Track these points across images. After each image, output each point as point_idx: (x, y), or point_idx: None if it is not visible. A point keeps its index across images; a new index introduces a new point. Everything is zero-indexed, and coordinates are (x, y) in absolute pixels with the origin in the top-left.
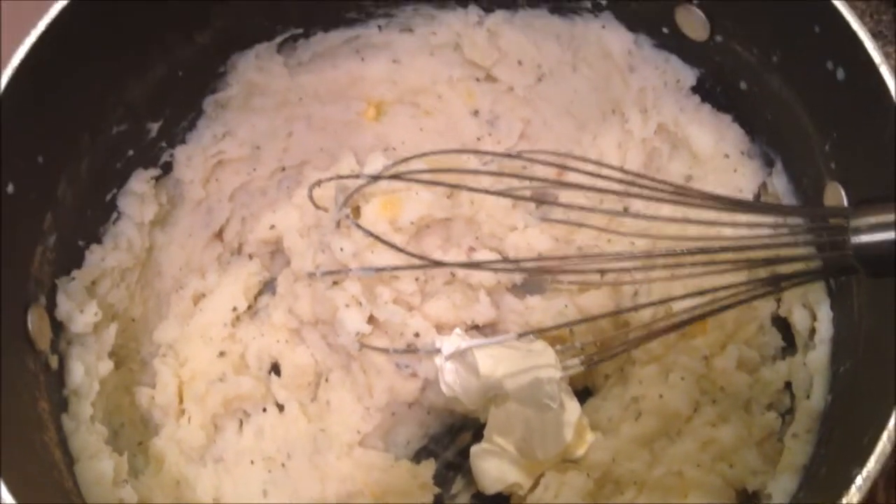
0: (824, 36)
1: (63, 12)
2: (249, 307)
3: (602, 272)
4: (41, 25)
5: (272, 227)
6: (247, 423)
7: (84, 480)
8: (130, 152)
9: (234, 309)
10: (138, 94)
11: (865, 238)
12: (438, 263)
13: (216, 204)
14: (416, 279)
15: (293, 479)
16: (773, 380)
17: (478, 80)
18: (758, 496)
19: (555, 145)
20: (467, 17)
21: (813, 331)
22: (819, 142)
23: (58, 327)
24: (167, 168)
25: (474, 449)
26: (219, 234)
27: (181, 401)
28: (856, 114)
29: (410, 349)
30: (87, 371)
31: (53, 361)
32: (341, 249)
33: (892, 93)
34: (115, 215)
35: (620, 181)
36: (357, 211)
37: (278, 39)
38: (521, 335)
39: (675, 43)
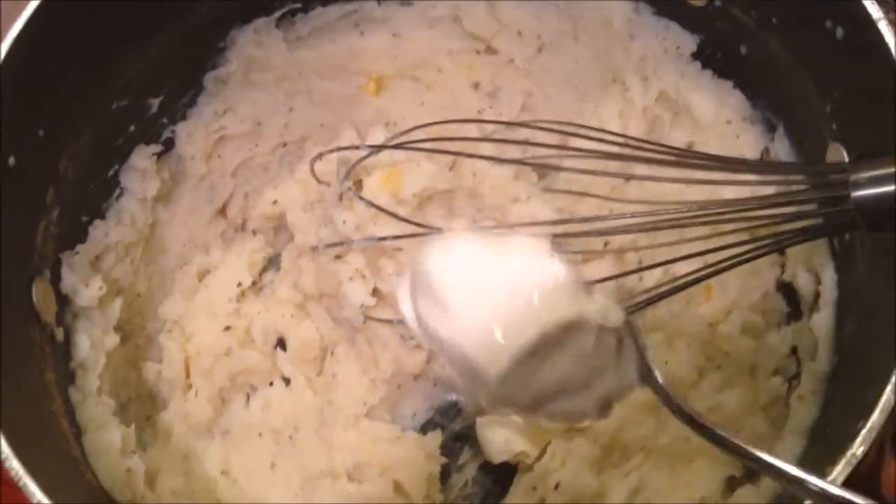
0: None
1: None
2: (254, 283)
3: (606, 241)
4: None
5: (275, 202)
6: (253, 396)
7: (92, 451)
8: (131, 128)
9: (239, 284)
10: (137, 69)
11: (865, 192)
12: (441, 231)
13: (219, 180)
14: None
15: (300, 451)
16: (778, 345)
17: (478, 52)
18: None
19: (556, 116)
20: None
21: (818, 294)
22: (820, 103)
23: (63, 301)
24: (169, 144)
25: (480, 419)
26: (222, 211)
27: (188, 375)
28: (855, 73)
29: None
30: (92, 344)
31: (59, 334)
32: (344, 222)
33: (892, 49)
34: (117, 191)
35: (623, 147)
36: (359, 184)
37: (277, 14)
38: None
39: (674, 9)
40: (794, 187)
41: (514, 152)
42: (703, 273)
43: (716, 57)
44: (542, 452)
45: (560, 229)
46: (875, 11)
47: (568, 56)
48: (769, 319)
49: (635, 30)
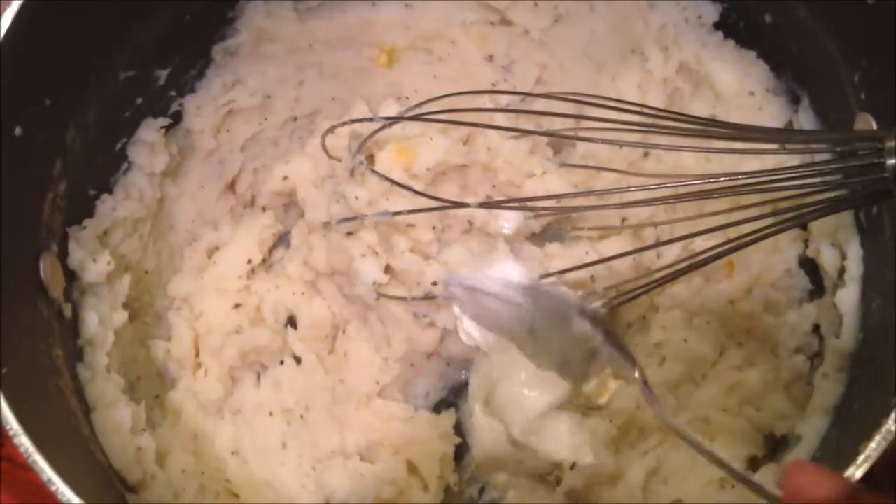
0: None
1: None
2: (264, 260)
3: (623, 217)
4: None
5: (285, 177)
6: (264, 375)
7: (101, 428)
8: (139, 100)
9: (249, 262)
10: (145, 38)
11: None
12: (458, 204)
13: (228, 155)
14: (433, 228)
15: (312, 430)
16: (800, 322)
17: (492, 23)
18: (786, 440)
19: (573, 89)
20: None
21: (843, 270)
22: (848, 72)
23: (71, 276)
24: (177, 118)
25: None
26: (231, 186)
27: (197, 354)
28: (887, 39)
29: (429, 297)
30: (101, 321)
31: (67, 310)
32: (356, 198)
33: None
34: (125, 165)
35: (641, 122)
36: (371, 159)
37: None
38: (542, 276)
39: None
40: (820, 157)
41: (529, 126)
42: (724, 248)
43: (738, 26)
44: None
45: (577, 202)
46: None
47: (584, 27)
48: (791, 296)
49: None
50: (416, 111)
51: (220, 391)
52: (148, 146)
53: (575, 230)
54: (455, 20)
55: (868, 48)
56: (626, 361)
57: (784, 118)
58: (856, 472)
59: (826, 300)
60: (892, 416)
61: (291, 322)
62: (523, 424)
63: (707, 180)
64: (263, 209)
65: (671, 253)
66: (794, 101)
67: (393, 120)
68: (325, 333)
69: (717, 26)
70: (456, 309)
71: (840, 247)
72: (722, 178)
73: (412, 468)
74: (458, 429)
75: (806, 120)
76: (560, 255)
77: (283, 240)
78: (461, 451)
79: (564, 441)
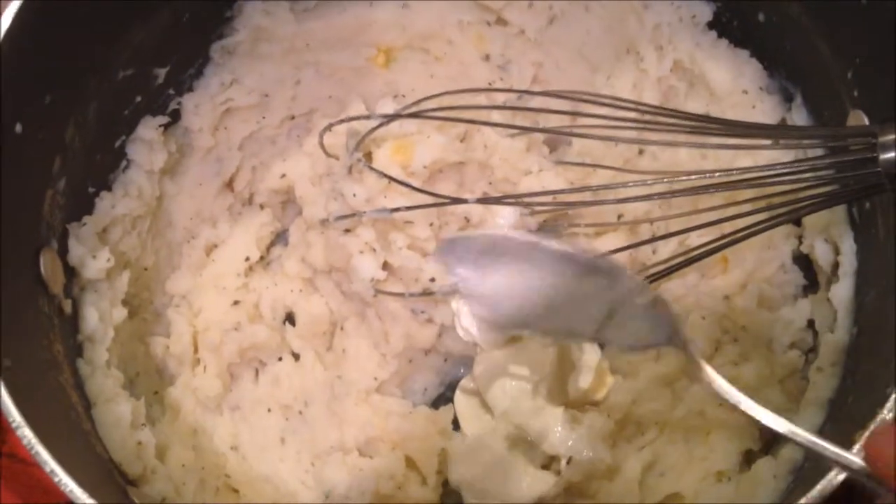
0: None
1: None
2: (262, 257)
3: (619, 213)
4: None
5: (283, 175)
6: (262, 372)
7: (102, 423)
8: (138, 98)
9: (247, 259)
10: (144, 37)
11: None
12: (455, 200)
13: (226, 153)
14: (431, 224)
15: (311, 426)
16: (795, 318)
17: (488, 23)
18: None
19: (568, 88)
20: None
21: (836, 265)
22: (840, 70)
23: (71, 273)
24: (175, 116)
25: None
26: (229, 184)
27: (196, 350)
28: (880, 37)
29: (427, 293)
30: (101, 317)
31: (67, 306)
32: (354, 195)
33: None
34: (124, 163)
35: (636, 119)
36: (369, 156)
37: None
38: None
39: None
40: (813, 153)
41: (526, 124)
42: (718, 244)
43: (732, 25)
44: None
45: (573, 198)
46: None
47: (580, 26)
48: (786, 292)
49: None
50: (413, 109)
51: (219, 387)
52: (147, 144)
53: (571, 227)
54: (451, 20)
55: (860, 46)
56: (666, 321)
57: (777, 116)
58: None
59: (820, 295)
60: (888, 405)
61: (290, 319)
62: (518, 418)
63: (701, 176)
64: (261, 207)
65: (666, 248)
66: (788, 99)
67: (390, 117)
68: (323, 330)
69: (710, 25)
70: (454, 305)
71: (833, 242)
72: (716, 174)
73: (410, 463)
74: (457, 424)
75: (799, 117)
76: None
77: (281, 237)
78: None
79: (561, 435)
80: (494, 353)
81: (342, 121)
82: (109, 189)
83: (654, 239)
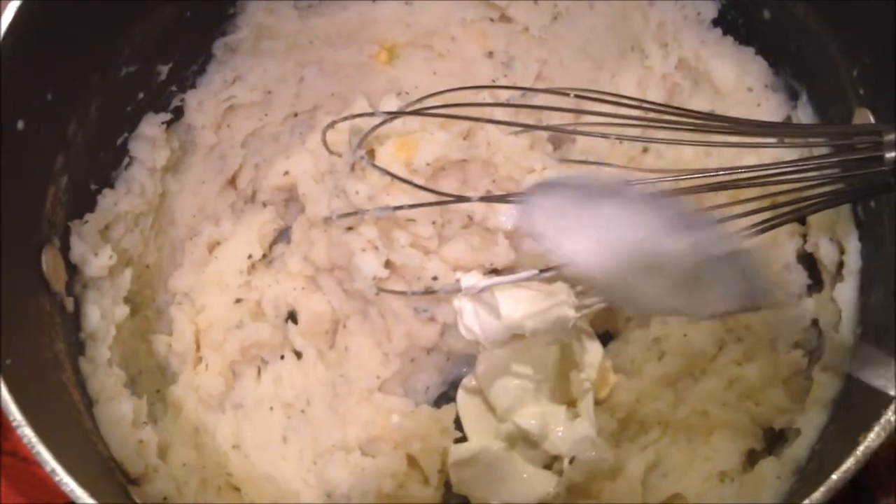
0: None
1: None
2: (265, 256)
3: None
4: None
5: (286, 173)
6: (265, 370)
7: (104, 421)
8: (141, 95)
9: (250, 257)
10: (146, 34)
11: None
12: (459, 198)
13: (228, 150)
14: (433, 222)
15: (313, 424)
16: (799, 317)
17: (492, 20)
18: (784, 434)
19: (572, 86)
20: None
21: (841, 264)
22: (847, 68)
23: (73, 270)
24: (178, 113)
25: None
26: (232, 181)
27: (198, 348)
28: (886, 34)
29: (429, 291)
30: (102, 315)
31: (69, 304)
32: (357, 193)
33: None
34: (126, 160)
35: (641, 117)
36: (371, 154)
37: None
38: (542, 271)
39: None
40: (818, 151)
41: (529, 121)
42: None
43: (737, 23)
44: None
45: None
46: None
47: (584, 23)
48: (790, 291)
49: None
50: (417, 106)
51: (221, 385)
52: (149, 141)
53: None
54: (455, 17)
55: (867, 44)
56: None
57: (783, 114)
58: (855, 463)
59: (824, 294)
60: (893, 406)
61: (292, 317)
62: (521, 417)
63: (706, 174)
64: (264, 204)
65: None
66: (793, 97)
67: (393, 114)
68: (325, 328)
69: (715, 23)
70: (456, 303)
71: (838, 241)
72: (721, 173)
73: (413, 462)
74: (459, 423)
75: (804, 116)
76: None
77: (283, 235)
78: None
79: (564, 435)
80: (497, 351)
81: (345, 118)
82: (112, 186)
83: None
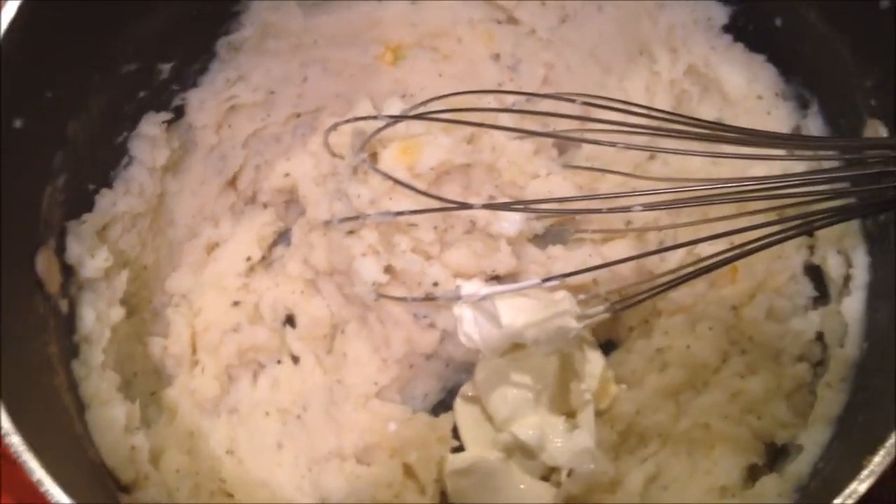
0: None
1: None
2: (264, 258)
3: (627, 220)
4: None
5: (287, 174)
6: (261, 374)
7: (95, 426)
8: (142, 94)
9: (249, 259)
10: (148, 31)
11: None
12: (462, 205)
13: (229, 150)
14: (435, 228)
15: (309, 431)
16: (804, 330)
17: (499, 22)
18: (786, 449)
19: (579, 90)
20: None
21: (848, 277)
22: (859, 78)
23: (68, 272)
24: (179, 112)
25: None
26: (232, 182)
27: (194, 351)
28: None
29: (429, 297)
30: (98, 317)
31: (63, 306)
32: (358, 196)
33: None
34: (126, 159)
35: (648, 124)
36: (374, 157)
37: None
38: (545, 280)
39: None
40: (828, 164)
41: (534, 126)
42: (728, 255)
43: (748, 29)
44: None
45: (580, 206)
46: None
47: (592, 27)
48: (795, 303)
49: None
50: (421, 109)
51: (217, 389)
52: (149, 140)
53: (578, 232)
54: (461, 18)
55: (880, 54)
56: None
57: (792, 123)
58: (859, 486)
59: (830, 308)
60: None
61: (290, 321)
62: (519, 427)
63: (713, 185)
64: (264, 206)
65: (675, 257)
66: (803, 106)
67: (397, 118)
68: (323, 333)
69: (726, 29)
70: (456, 310)
71: (846, 254)
72: (728, 184)
73: (409, 471)
74: (455, 432)
75: (814, 125)
76: (563, 258)
77: (283, 237)
78: None
79: (562, 446)
80: (496, 360)
81: (348, 121)
82: (110, 186)
83: (662, 249)
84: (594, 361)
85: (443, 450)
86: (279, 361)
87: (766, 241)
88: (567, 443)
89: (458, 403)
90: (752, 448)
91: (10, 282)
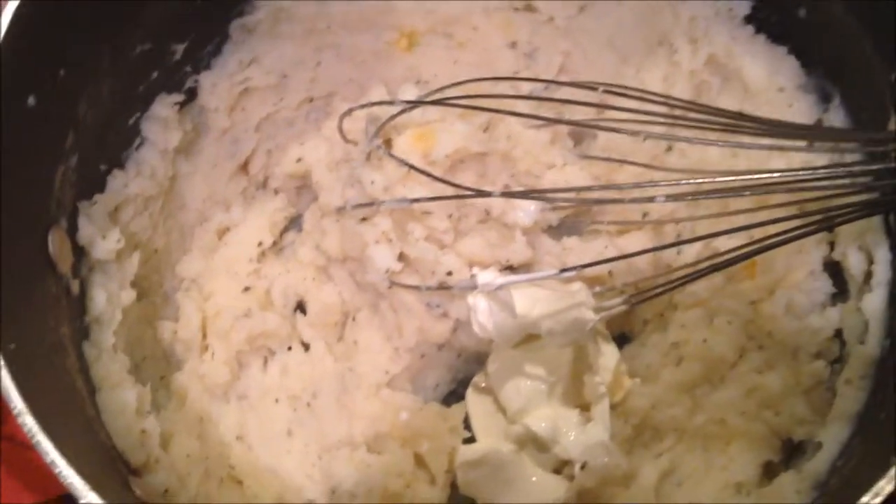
0: None
1: None
2: (275, 243)
3: (644, 212)
4: None
5: (299, 159)
6: (272, 360)
7: (106, 409)
8: (154, 74)
9: (260, 244)
10: (162, 12)
11: None
12: (479, 192)
13: (242, 134)
14: (450, 216)
15: (319, 418)
16: (822, 327)
17: (516, 9)
18: (803, 447)
19: (596, 79)
20: None
21: (869, 274)
22: (884, 71)
23: (80, 253)
24: (191, 94)
25: None
26: (244, 167)
27: (205, 336)
28: None
29: (443, 286)
30: (109, 299)
31: (75, 286)
32: (372, 183)
33: None
34: (138, 140)
35: (666, 114)
36: (388, 143)
37: None
38: (562, 270)
39: None
40: (850, 157)
41: (551, 115)
42: (747, 250)
43: (770, 20)
44: None
45: (597, 195)
46: None
47: (611, 15)
48: (814, 299)
49: None
50: (437, 95)
51: (227, 375)
52: (161, 122)
53: (594, 224)
54: (478, 5)
55: None
56: None
57: (814, 116)
58: (887, 485)
59: (850, 305)
60: None
61: (301, 307)
62: (532, 420)
63: (731, 177)
64: (276, 191)
65: (692, 250)
66: (825, 99)
67: (413, 104)
68: (334, 320)
69: (748, 20)
70: (470, 300)
71: (867, 250)
72: (747, 176)
73: (420, 461)
74: (467, 422)
75: (836, 119)
76: (578, 250)
77: (295, 223)
78: None
79: (576, 439)
80: (510, 350)
81: (363, 106)
82: (122, 167)
83: (680, 242)
84: (608, 355)
85: (454, 440)
86: (290, 348)
87: (787, 236)
88: (580, 436)
89: (471, 394)
90: (769, 445)
91: (23, 260)
